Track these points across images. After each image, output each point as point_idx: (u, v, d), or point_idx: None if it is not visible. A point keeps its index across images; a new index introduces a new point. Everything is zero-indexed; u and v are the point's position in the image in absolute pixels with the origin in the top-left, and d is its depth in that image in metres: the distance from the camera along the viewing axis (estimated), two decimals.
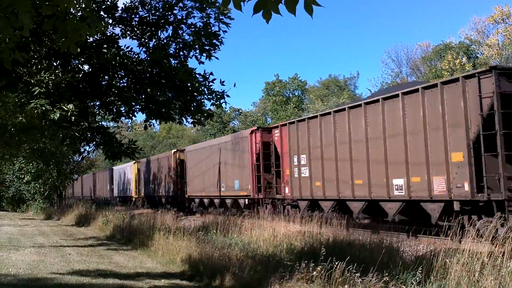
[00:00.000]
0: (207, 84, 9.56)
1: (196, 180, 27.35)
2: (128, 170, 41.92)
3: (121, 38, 9.54)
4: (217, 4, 9.25)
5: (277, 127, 19.90)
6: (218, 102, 9.65)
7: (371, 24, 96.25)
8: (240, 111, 53.73)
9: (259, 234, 12.45)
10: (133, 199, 40.05)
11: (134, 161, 38.82)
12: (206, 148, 26.78)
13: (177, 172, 30.04)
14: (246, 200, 21.52)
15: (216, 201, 24.93)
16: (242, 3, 2.89)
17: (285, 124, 19.17)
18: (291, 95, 51.89)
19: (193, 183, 27.82)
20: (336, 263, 6.88)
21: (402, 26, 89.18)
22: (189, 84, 9.38)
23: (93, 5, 8.90)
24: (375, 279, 6.54)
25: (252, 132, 21.34)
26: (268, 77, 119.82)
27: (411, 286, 6.65)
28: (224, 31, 9.41)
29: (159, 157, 35.06)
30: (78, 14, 3.90)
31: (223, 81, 9.68)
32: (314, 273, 6.95)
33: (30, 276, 9.59)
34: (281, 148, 19.10)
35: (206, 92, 9.60)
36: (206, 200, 26.39)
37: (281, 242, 11.17)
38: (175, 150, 31.54)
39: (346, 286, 6.62)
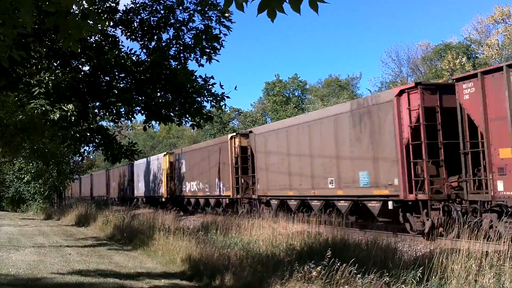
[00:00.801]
0: (207, 86, 9.57)
1: (273, 174, 19.17)
2: (155, 164, 34.23)
3: (122, 41, 9.58)
4: (219, 8, 9.26)
5: (471, 77, 11.69)
6: (218, 104, 9.67)
7: (371, 24, 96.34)
8: (240, 111, 53.76)
9: (259, 234, 12.47)
10: (163, 199, 32.36)
11: (166, 153, 33.24)
12: (293, 128, 18.23)
13: (237, 164, 22.21)
14: (390, 202, 13.55)
15: (315, 203, 16.74)
16: (244, 3, 2.88)
17: (498, 69, 11.13)
18: (291, 95, 51.93)
19: (267, 179, 19.64)
20: (338, 263, 6.88)
21: (402, 26, 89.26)
22: (188, 86, 9.39)
23: (94, 7, 8.91)
24: (376, 279, 6.55)
25: (400, 93, 13.35)
26: (268, 77, 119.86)
27: (411, 285, 6.66)
28: (225, 35, 9.44)
29: (205, 145, 27.34)
30: (80, 11, 3.91)
31: (223, 85, 9.71)
32: (314, 273, 6.96)
33: (30, 276, 9.60)
34: (484, 113, 11.11)
35: (206, 94, 9.62)
36: (292, 202, 18.17)
37: (281, 242, 11.19)
38: (233, 134, 23.46)
39: (346, 286, 6.63)
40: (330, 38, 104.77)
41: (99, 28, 4.05)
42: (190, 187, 28.02)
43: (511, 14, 38.87)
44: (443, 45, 41.76)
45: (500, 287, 6.55)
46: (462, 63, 37.46)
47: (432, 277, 6.85)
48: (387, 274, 6.75)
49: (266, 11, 2.84)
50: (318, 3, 2.80)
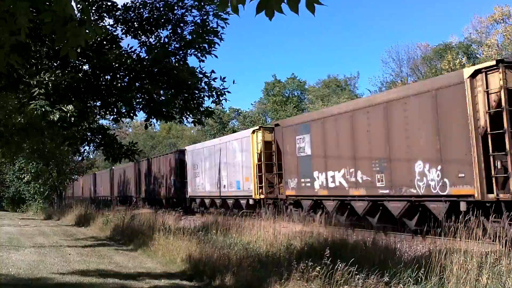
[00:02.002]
0: (207, 81, 9.57)
1: None
2: (233, 147, 22.66)
3: (122, 39, 9.58)
4: (215, 1, 9.25)
5: None
6: (218, 99, 9.66)
7: (371, 24, 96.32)
8: (239, 111, 53.84)
9: (259, 234, 12.47)
10: (251, 200, 21.00)
11: (258, 127, 21.72)
12: None
13: (500, 128, 10.77)
14: None
15: None
16: (241, 5, 2.90)
17: None
18: (290, 95, 52.01)
19: None
20: (338, 264, 6.89)
21: (402, 26, 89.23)
22: (189, 82, 9.39)
23: (93, 6, 8.93)
24: (375, 279, 6.56)
25: None
26: (267, 78, 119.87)
27: (408, 284, 6.67)
28: (222, 27, 9.45)
29: (379, 100, 14.51)
30: (77, 17, 3.92)
31: (224, 77, 9.68)
32: (314, 273, 6.97)
33: (30, 276, 9.62)
34: None
35: (207, 89, 9.62)
36: None
37: (281, 242, 11.20)
38: (484, 65, 11.47)
39: (346, 287, 6.63)
40: (327, 38, 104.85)
41: (96, 34, 4.02)
42: (324, 180, 16.31)
43: (511, 14, 38.86)
44: (443, 45, 41.79)
45: (501, 287, 6.56)
46: (462, 63, 37.47)
47: (431, 277, 6.86)
48: (387, 274, 6.77)
49: (264, 11, 2.86)
50: (315, 4, 2.83)
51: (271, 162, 20.10)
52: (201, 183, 26.07)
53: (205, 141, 29.76)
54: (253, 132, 21.14)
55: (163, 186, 31.66)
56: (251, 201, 20.94)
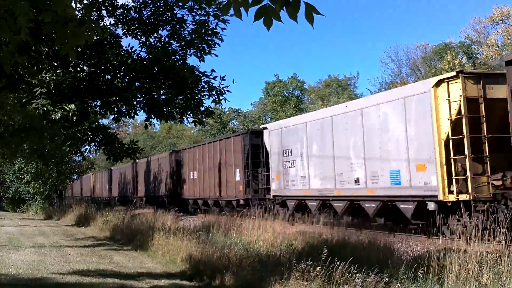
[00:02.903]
0: (207, 80, 9.56)
1: None
2: (379, 115, 13.78)
3: (123, 38, 9.58)
4: (216, 2, 9.24)
5: None
6: (218, 98, 9.64)
7: (370, 25, 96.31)
8: (239, 111, 53.84)
9: (259, 234, 12.48)
10: (432, 206, 11.91)
11: (450, 76, 11.95)
12: None
13: None
14: None
15: None
16: (242, 8, 2.86)
17: None
18: (290, 95, 51.94)
19: None
20: (338, 263, 6.90)
21: (402, 26, 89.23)
22: (190, 81, 9.38)
23: (94, 6, 8.93)
24: (375, 279, 6.57)
25: None
26: (267, 78, 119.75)
27: (408, 284, 6.68)
28: (223, 29, 9.44)
29: None
30: (78, 16, 3.92)
31: (224, 76, 9.66)
32: (314, 272, 6.98)
33: (30, 276, 9.62)
34: None
35: (207, 88, 9.61)
36: None
37: (282, 242, 11.20)
38: None
39: (346, 286, 6.64)
40: (328, 38, 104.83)
41: (96, 34, 4.01)
42: None
43: (510, 14, 38.87)
44: (443, 45, 41.78)
45: (500, 286, 6.57)
46: (462, 63, 37.49)
47: (430, 276, 6.87)
48: (387, 274, 6.78)
49: (262, 19, 2.82)
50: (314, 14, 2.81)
51: (476, 135, 11.67)
52: (299, 177, 17.28)
53: (310, 112, 20.98)
54: (438, 84, 12.15)
55: (219, 182, 23.22)
56: (431, 206, 12.06)
